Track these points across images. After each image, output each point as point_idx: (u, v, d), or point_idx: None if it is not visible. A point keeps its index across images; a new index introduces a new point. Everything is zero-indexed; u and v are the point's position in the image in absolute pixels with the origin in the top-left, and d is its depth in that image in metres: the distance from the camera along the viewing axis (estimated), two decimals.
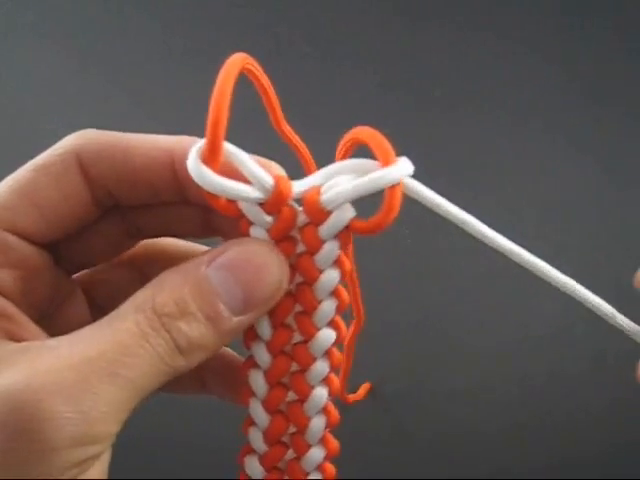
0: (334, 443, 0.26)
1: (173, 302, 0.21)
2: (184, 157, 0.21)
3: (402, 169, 0.22)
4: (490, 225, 0.24)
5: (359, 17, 0.57)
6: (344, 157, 0.25)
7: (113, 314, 0.21)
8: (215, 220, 0.25)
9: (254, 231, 0.23)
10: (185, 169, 0.21)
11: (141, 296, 0.21)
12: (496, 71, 0.54)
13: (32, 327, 0.23)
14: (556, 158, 0.50)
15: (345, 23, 0.56)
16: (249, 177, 0.22)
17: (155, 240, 0.28)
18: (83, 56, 0.58)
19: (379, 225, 0.23)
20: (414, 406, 0.38)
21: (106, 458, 0.21)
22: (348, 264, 0.24)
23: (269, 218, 0.23)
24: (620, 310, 0.42)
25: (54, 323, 0.24)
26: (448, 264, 0.43)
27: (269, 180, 0.22)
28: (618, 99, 0.52)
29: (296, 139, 0.28)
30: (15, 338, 0.22)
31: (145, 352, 0.20)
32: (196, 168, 0.21)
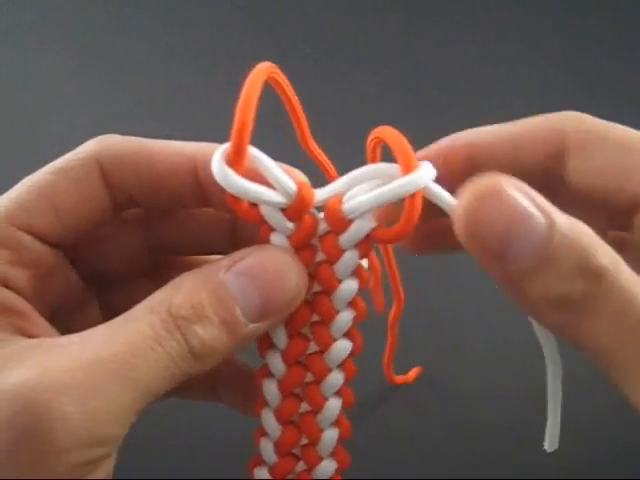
0: (345, 456, 0.26)
1: (190, 305, 0.20)
2: (207, 163, 0.21)
3: (424, 176, 0.22)
4: None
5: (359, 17, 0.57)
6: (373, 156, 0.25)
7: (127, 314, 0.21)
8: (240, 236, 0.25)
9: (275, 237, 0.23)
10: (208, 175, 0.21)
11: (157, 297, 0.21)
12: (496, 71, 0.54)
13: (44, 324, 0.23)
14: None
15: (345, 23, 0.56)
16: (273, 182, 0.22)
17: (180, 258, 0.28)
18: (83, 56, 0.57)
19: (400, 234, 0.23)
20: (417, 405, 0.38)
21: (112, 459, 0.21)
22: (367, 275, 0.24)
23: (290, 225, 0.23)
24: None
25: (66, 327, 0.23)
26: (453, 264, 0.43)
27: (292, 186, 0.22)
28: (619, 99, 0.53)
29: (322, 155, 0.28)
30: (27, 334, 0.22)
31: (157, 355, 0.20)
32: (221, 170, 0.21)
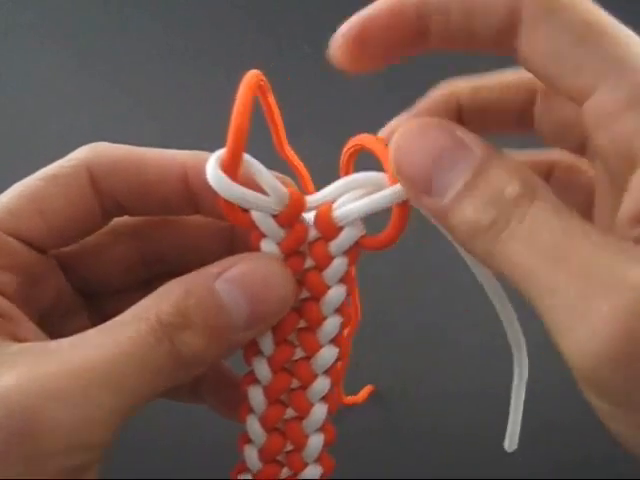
0: (330, 461, 0.26)
1: (178, 312, 0.20)
2: (198, 170, 0.22)
3: None
4: None
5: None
6: (348, 163, 0.25)
7: (116, 320, 0.21)
8: (236, 247, 0.25)
9: (265, 244, 0.23)
10: (199, 183, 0.22)
11: (146, 304, 0.21)
12: (496, 71, 0.55)
13: (33, 329, 0.23)
14: None
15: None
16: (266, 188, 0.22)
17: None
18: (83, 56, 0.57)
19: (388, 241, 0.23)
20: (412, 407, 0.38)
21: (100, 461, 0.21)
22: (355, 281, 0.24)
23: (281, 231, 0.23)
24: None
25: (56, 332, 0.23)
26: (446, 264, 0.44)
27: (285, 193, 0.22)
28: None
29: (297, 160, 0.29)
30: (17, 339, 0.22)
31: (145, 361, 0.20)
32: (215, 175, 0.21)
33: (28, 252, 0.23)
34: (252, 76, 0.21)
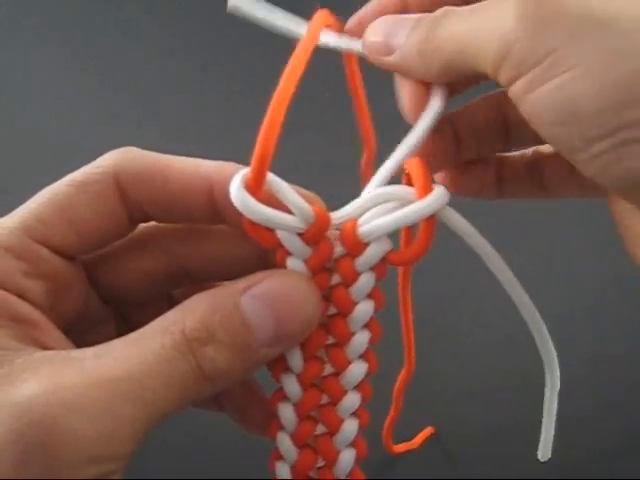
0: (361, 476, 0.26)
1: (203, 327, 0.20)
2: (223, 184, 0.22)
3: (438, 201, 0.22)
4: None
5: None
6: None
7: (140, 332, 0.21)
8: (265, 263, 0.25)
9: (291, 262, 0.23)
10: (223, 195, 0.22)
11: (171, 317, 0.21)
12: None
13: (59, 336, 0.23)
14: None
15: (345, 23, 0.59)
16: (291, 207, 0.22)
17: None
18: (83, 56, 0.57)
19: (415, 256, 0.23)
20: (412, 404, 0.38)
21: (120, 474, 0.21)
22: (382, 297, 0.24)
23: (307, 249, 0.23)
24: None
25: (81, 341, 0.23)
26: (448, 263, 0.43)
27: (310, 211, 0.22)
28: None
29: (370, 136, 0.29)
30: (42, 346, 0.22)
31: (169, 376, 0.20)
32: (239, 195, 0.21)
33: (56, 260, 0.23)
34: (282, 95, 0.21)
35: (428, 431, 0.39)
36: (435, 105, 0.24)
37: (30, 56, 0.58)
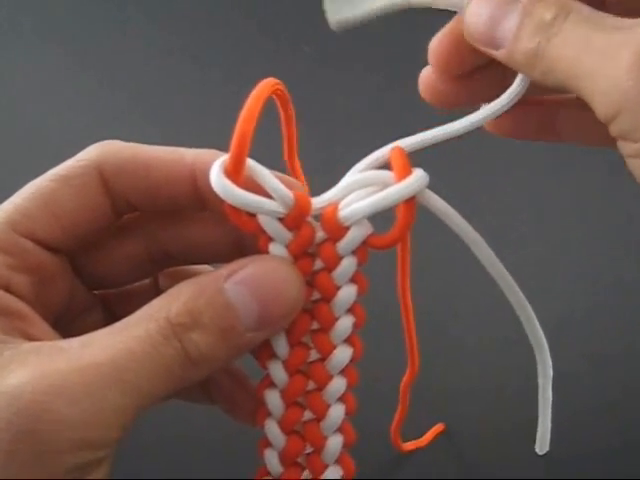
0: (351, 462, 0.26)
1: (188, 312, 0.21)
2: (206, 171, 0.22)
3: (417, 183, 0.22)
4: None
5: None
6: None
7: (126, 320, 0.21)
8: (245, 246, 0.26)
9: (274, 247, 0.23)
10: (206, 182, 0.22)
11: (156, 304, 0.21)
12: None
13: (46, 328, 0.23)
14: (556, 157, 0.50)
15: None
16: (271, 192, 0.22)
17: (182, 268, 0.28)
18: (83, 56, 0.58)
19: (395, 239, 0.23)
20: (423, 403, 0.38)
21: (109, 461, 0.21)
22: (365, 280, 0.24)
23: (289, 234, 0.23)
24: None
25: (69, 332, 0.24)
26: (446, 262, 0.44)
27: (290, 195, 0.22)
28: None
29: (300, 175, 0.29)
30: (30, 338, 0.22)
31: (155, 361, 0.20)
32: (219, 181, 0.21)
33: (42, 253, 0.24)
34: (266, 85, 0.22)
35: (438, 428, 0.39)
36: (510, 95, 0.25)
37: (30, 56, 0.58)
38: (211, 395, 0.28)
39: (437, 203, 0.23)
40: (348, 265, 0.24)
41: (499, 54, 0.24)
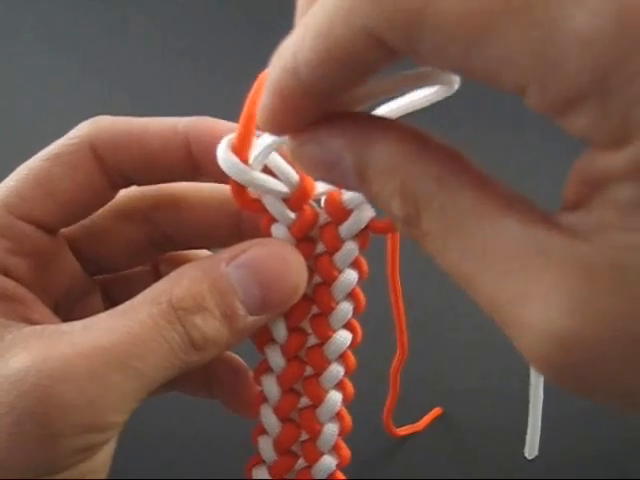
0: (346, 451, 0.26)
1: (190, 296, 0.21)
2: (199, 137, 0.23)
3: None
4: None
5: None
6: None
7: (128, 304, 0.21)
8: (244, 230, 0.26)
9: (276, 228, 0.23)
10: (201, 149, 0.22)
11: (158, 288, 0.21)
12: None
13: (47, 312, 0.23)
14: (557, 160, 0.51)
15: None
16: (276, 171, 0.22)
17: (181, 252, 0.28)
18: (83, 57, 0.58)
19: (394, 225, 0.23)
20: (412, 405, 0.38)
21: (111, 446, 0.21)
22: (366, 266, 0.25)
23: (292, 215, 0.23)
24: None
25: (69, 316, 0.23)
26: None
27: (295, 175, 0.22)
28: None
29: None
30: (30, 322, 0.22)
31: (157, 345, 0.20)
32: (226, 158, 0.21)
33: (40, 235, 0.23)
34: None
35: (436, 412, 0.39)
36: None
37: (30, 56, 0.58)
38: (212, 388, 0.28)
39: None
40: (350, 249, 0.24)
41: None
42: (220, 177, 0.21)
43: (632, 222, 0.13)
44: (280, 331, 0.24)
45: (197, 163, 0.24)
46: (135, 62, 0.57)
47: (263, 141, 0.21)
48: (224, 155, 0.21)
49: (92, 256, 0.26)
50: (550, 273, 0.14)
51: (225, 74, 0.53)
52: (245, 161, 0.22)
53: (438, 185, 0.16)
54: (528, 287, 0.14)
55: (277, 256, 0.22)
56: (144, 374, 0.20)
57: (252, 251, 0.22)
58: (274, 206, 0.23)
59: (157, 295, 0.21)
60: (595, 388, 0.14)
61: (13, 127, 0.53)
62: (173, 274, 0.22)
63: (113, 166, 0.24)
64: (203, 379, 0.28)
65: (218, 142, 0.21)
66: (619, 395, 0.14)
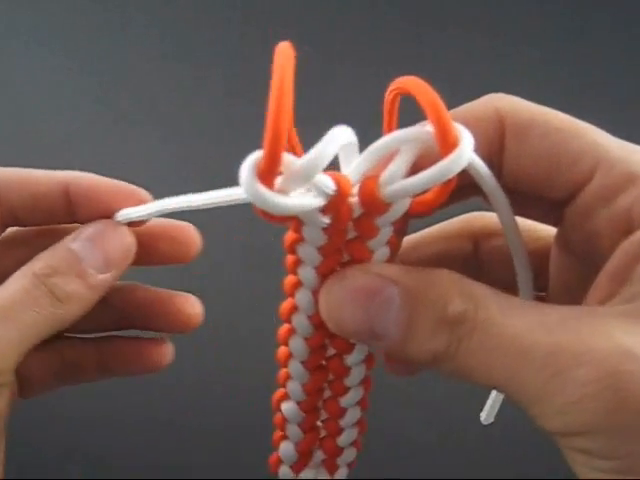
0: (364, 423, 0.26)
1: (47, 266, 0.26)
2: (77, 183, 0.27)
3: (468, 150, 0.19)
4: None
5: (359, 17, 0.57)
6: (391, 111, 0.22)
7: (7, 281, 0.26)
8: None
9: (307, 231, 0.20)
10: (78, 193, 0.27)
11: (24, 267, 0.26)
12: (497, 70, 0.56)
13: None
14: None
15: (345, 23, 0.56)
16: (310, 186, 0.18)
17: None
18: (83, 56, 0.58)
19: (433, 205, 0.21)
20: (410, 404, 0.39)
21: (6, 395, 0.26)
22: (397, 241, 0.22)
23: (326, 219, 0.20)
24: None
25: None
26: None
27: (331, 185, 0.19)
28: (619, 97, 0.57)
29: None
30: None
31: (29, 301, 0.25)
32: (253, 189, 0.17)
33: None
34: (287, 55, 0.16)
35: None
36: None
37: (30, 57, 0.58)
38: (109, 367, 0.31)
39: (485, 172, 0.21)
40: (384, 234, 0.21)
41: (386, 347, 0.21)
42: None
43: None
44: (310, 277, 0.22)
45: (74, 209, 0.28)
46: (134, 62, 0.58)
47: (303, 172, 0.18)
48: (249, 184, 0.17)
49: None
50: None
51: (225, 74, 0.54)
52: (272, 184, 0.18)
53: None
54: None
55: (107, 229, 0.27)
56: (23, 325, 0.25)
57: (89, 228, 0.27)
58: (308, 216, 0.19)
59: (26, 269, 0.26)
60: None
61: (13, 127, 0.54)
62: (34, 257, 0.27)
63: (4, 205, 0.28)
64: (100, 364, 0.30)
65: (95, 195, 0.27)
66: None
